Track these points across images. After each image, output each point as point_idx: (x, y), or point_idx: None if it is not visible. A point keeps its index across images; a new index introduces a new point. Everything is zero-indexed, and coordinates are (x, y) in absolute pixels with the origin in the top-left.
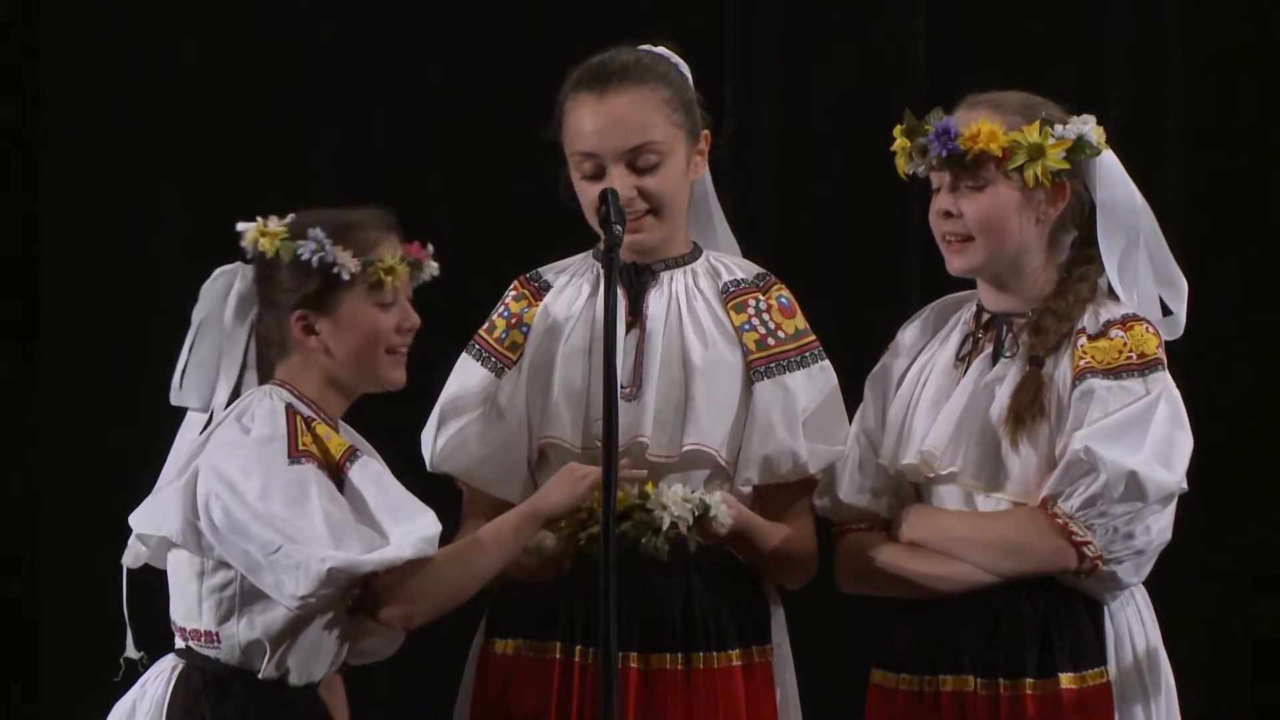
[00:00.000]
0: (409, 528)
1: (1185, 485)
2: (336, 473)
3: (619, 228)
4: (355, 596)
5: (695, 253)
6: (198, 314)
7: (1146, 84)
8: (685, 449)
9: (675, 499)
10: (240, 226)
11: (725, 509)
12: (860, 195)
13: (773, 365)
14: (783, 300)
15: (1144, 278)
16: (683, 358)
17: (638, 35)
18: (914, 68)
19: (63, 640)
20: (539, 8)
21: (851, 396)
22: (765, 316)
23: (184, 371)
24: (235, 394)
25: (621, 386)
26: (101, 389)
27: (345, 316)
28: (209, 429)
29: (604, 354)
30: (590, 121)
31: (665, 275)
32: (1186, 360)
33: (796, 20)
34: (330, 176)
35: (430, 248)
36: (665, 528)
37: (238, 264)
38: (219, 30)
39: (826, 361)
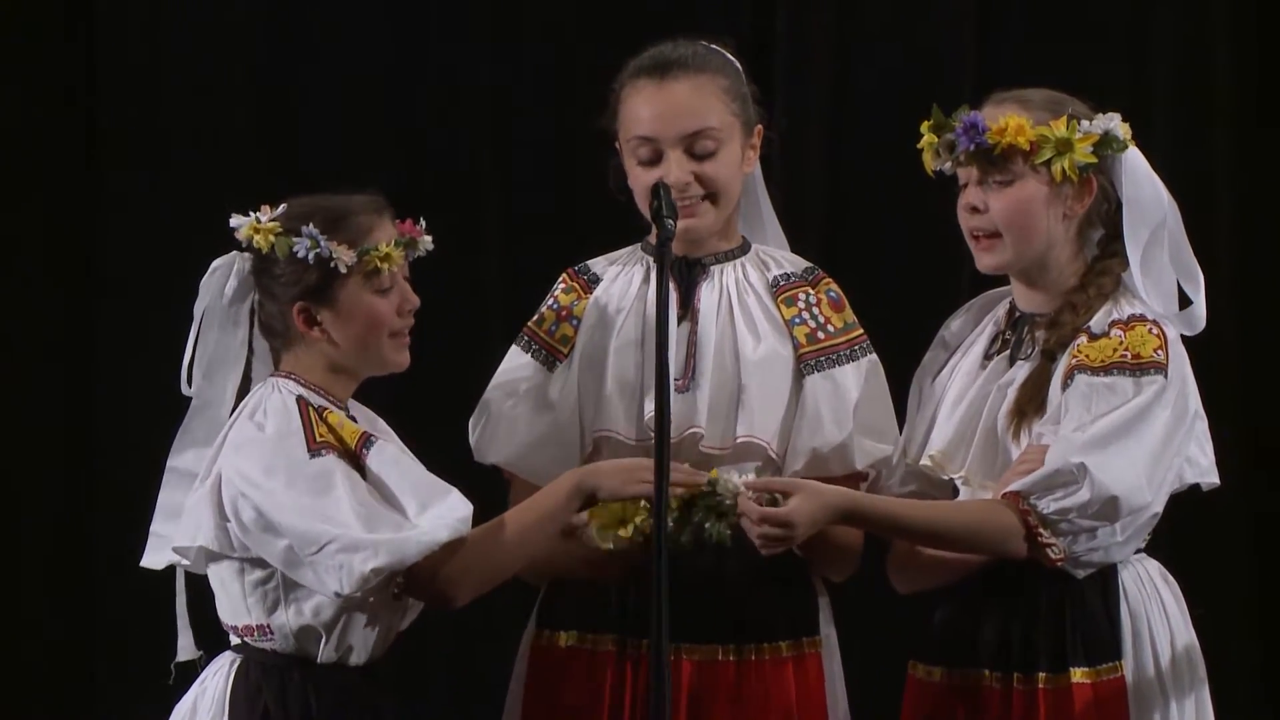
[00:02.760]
0: (439, 510)
1: (1160, 508)
2: (355, 460)
3: (671, 221)
4: (399, 584)
5: (744, 247)
6: (199, 307)
7: (1196, 81)
8: (738, 441)
9: (740, 488)
10: (234, 221)
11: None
12: (910, 192)
13: (823, 359)
14: (831, 294)
15: (1167, 274)
16: (735, 350)
17: (691, 33)
18: (964, 66)
19: (118, 642)
20: (591, 5)
21: (899, 392)
22: (815, 310)
23: (190, 364)
24: (245, 383)
25: (674, 379)
26: (157, 384)
27: (345, 306)
28: (224, 430)
29: (656, 348)
30: (650, 106)
31: (716, 269)
32: (1231, 355)
33: (847, 19)
34: (381, 174)
35: (423, 223)
36: (729, 516)
37: (234, 254)
38: (270, 25)
39: (874, 355)
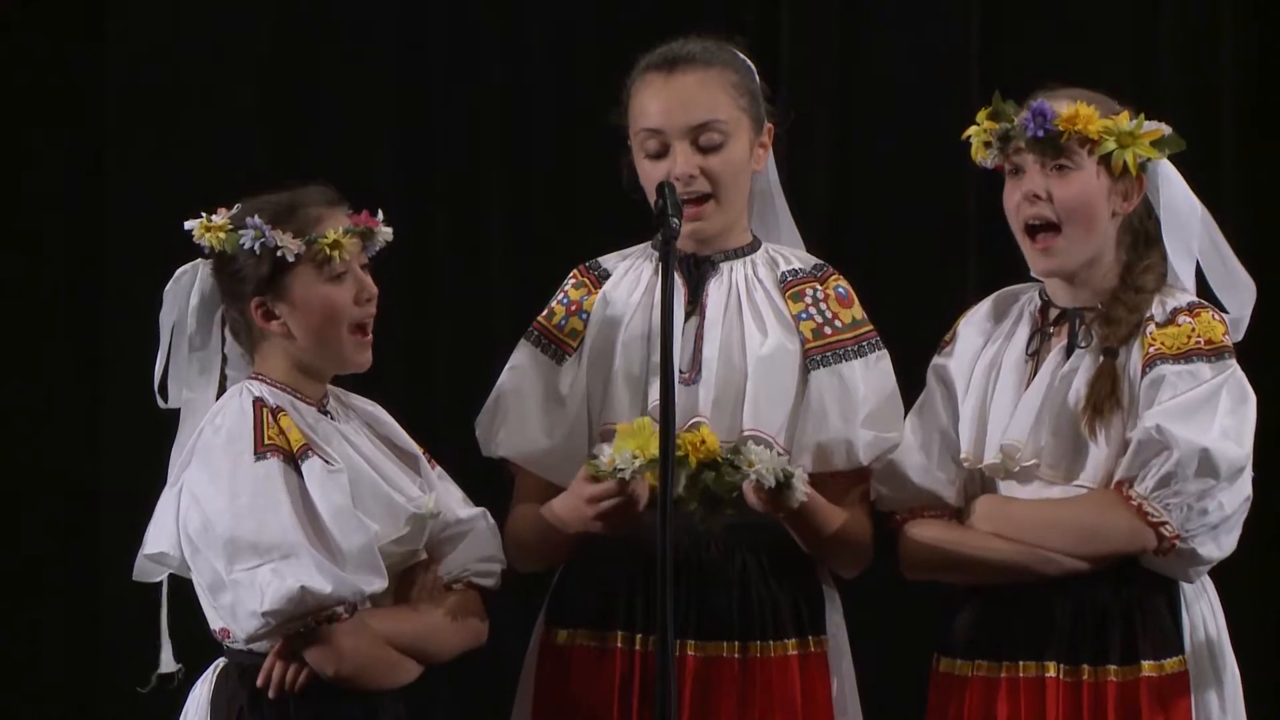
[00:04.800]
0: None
1: (1249, 490)
2: (296, 464)
3: (676, 220)
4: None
5: (755, 244)
6: (166, 318)
7: (1200, 81)
8: (743, 434)
9: (764, 458)
10: (188, 225)
11: (802, 485)
12: (916, 190)
13: (829, 354)
14: (840, 290)
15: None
16: (741, 345)
17: (696, 30)
18: (968, 66)
19: (123, 646)
20: (599, 5)
21: (906, 387)
22: (822, 306)
23: (164, 375)
24: (222, 389)
25: (680, 372)
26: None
27: (299, 297)
28: (193, 437)
29: (661, 348)
30: (657, 99)
31: (725, 266)
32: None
33: (852, 17)
34: (388, 171)
35: (381, 214)
36: (749, 483)
37: (197, 261)
38: (278, 30)
39: (884, 352)
